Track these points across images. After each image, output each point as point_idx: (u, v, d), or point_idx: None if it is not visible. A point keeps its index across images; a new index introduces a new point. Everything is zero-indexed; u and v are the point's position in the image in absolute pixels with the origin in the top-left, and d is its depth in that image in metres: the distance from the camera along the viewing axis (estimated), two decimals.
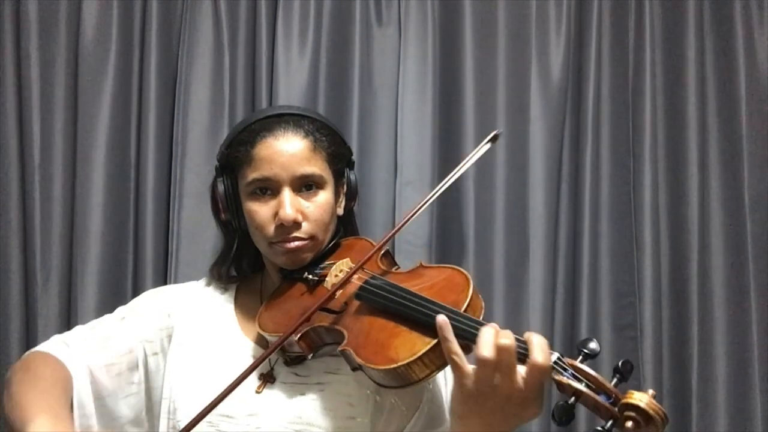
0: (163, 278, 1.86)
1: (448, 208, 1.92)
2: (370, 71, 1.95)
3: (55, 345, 1.13)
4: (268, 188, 1.13)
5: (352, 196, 1.23)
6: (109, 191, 1.87)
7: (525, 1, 1.96)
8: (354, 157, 1.26)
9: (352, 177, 1.22)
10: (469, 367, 0.89)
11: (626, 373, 0.88)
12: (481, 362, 0.88)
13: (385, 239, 1.12)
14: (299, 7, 1.93)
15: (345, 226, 1.25)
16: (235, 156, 1.16)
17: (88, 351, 1.12)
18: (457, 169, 1.14)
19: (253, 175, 1.13)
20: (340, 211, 1.22)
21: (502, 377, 0.87)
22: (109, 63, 1.88)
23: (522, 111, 1.94)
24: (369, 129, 1.93)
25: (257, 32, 1.91)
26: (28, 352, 1.13)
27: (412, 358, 0.93)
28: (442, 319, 0.92)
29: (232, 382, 0.97)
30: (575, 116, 1.96)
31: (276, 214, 1.11)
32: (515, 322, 1.86)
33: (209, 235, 1.86)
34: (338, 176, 1.20)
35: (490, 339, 0.88)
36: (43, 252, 1.83)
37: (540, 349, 0.87)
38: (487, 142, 1.15)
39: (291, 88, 1.90)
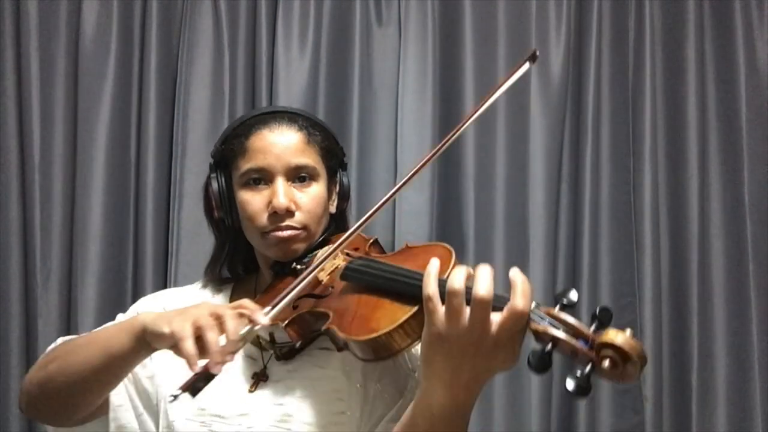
0: (163, 278, 1.86)
1: (448, 207, 1.92)
2: (370, 71, 1.95)
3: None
4: (262, 178, 1.13)
5: (344, 197, 1.23)
6: (109, 191, 1.87)
7: (525, 1, 1.96)
8: (348, 159, 1.27)
9: (345, 180, 1.23)
10: (442, 307, 0.86)
11: (605, 320, 0.83)
12: (450, 294, 0.85)
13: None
14: (299, 7, 1.93)
15: (338, 225, 1.25)
16: (230, 149, 1.16)
17: None
18: (489, 99, 1.09)
19: (247, 165, 1.13)
20: (333, 209, 1.23)
21: (472, 316, 0.84)
22: (109, 63, 1.88)
23: (522, 111, 1.94)
24: (369, 129, 1.93)
25: (257, 32, 1.91)
26: (44, 354, 1.13)
27: (392, 326, 0.92)
28: (434, 260, 0.90)
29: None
30: (575, 116, 1.96)
31: (269, 203, 1.12)
32: None
33: (209, 235, 1.86)
34: (331, 173, 1.21)
35: (462, 274, 0.86)
36: (43, 252, 1.83)
37: (522, 295, 0.84)
38: (525, 62, 1.10)
39: (291, 88, 1.90)
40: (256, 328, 0.94)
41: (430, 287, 0.87)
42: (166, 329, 0.92)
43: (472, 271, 0.87)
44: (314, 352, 1.12)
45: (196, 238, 1.85)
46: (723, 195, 1.98)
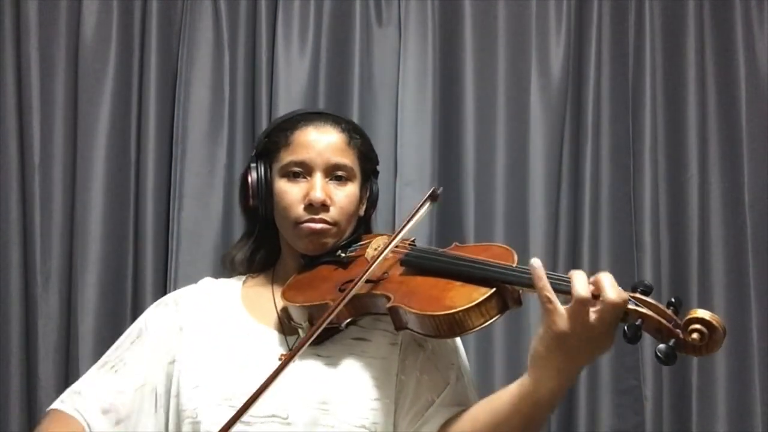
0: (163, 278, 1.86)
1: (448, 207, 1.92)
2: (370, 71, 1.95)
3: (67, 399, 1.16)
4: (302, 172, 1.19)
5: (373, 204, 1.28)
6: (109, 191, 1.87)
7: (525, 1, 1.96)
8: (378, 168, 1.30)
9: (374, 187, 1.28)
10: (562, 307, 0.93)
11: (678, 306, 0.94)
12: (580, 302, 0.92)
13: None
14: (299, 7, 1.93)
15: (363, 230, 1.28)
16: (274, 141, 1.22)
17: (104, 390, 1.15)
18: (400, 229, 1.14)
19: (289, 157, 1.19)
20: (362, 212, 1.26)
21: (600, 317, 0.91)
22: (109, 63, 1.88)
23: (522, 111, 1.94)
24: (369, 129, 1.91)
25: (257, 32, 1.91)
26: (45, 413, 1.16)
27: (471, 304, 0.97)
28: (536, 261, 0.97)
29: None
30: (575, 116, 1.96)
31: (306, 195, 1.17)
32: (516, 321, 1.86)
33: (209, 235, 1.87)
34: (365, 177, 1.25)
35: (584, 279, 0.93)
36: (43, 252, 1.83)
37: (612, 287, 0.92)
38: (426, 200, 1.16)
39: (291, 88, 1.90)
40: None
41: (549, 290, 0.94)
42: None
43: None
44: (348, 341, 1.15)
45: (196, 238, 1.85)
46: (723, 195, 1.98)
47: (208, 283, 1.29)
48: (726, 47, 1.99)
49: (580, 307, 0.92)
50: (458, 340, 1.21)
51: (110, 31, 1.88)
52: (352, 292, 1.05)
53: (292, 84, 1.91)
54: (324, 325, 1.04)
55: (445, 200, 1.91)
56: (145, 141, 1.87)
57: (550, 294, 0.94)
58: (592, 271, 1.96)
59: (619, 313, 0.92)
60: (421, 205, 1.13)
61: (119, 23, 1.89)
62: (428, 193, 1.14)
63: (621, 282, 1.87)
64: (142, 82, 1.89)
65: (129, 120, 1.90)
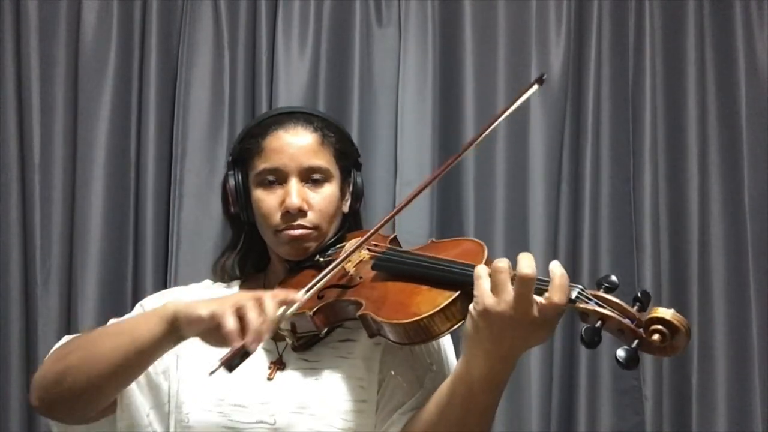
0: (163, 278, 1.86)
1: (448, 207, 1.92)
2: (370, 71, 1.95)
3: (66, 338, 1.17)
4: (277, 178, 1.17)
5: (357, 197, 1.26)
6: (109, 191, 1.87)
7: (525, 1, 1.96)
8: (360, 160, 1.29)
9: (358, 179, 1.26)
10: (488, 282, 0.93)
11: (646, 303, 0.91)
12: (495, 270, 0.92)
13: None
14: (299, 8, 1.93)
15: (352, 225, 1.28)
16: (246, 148, 1.20)
17: None
18: (499, 118, 1.15)
19: (262, 165, 1.17)
20: (346, 208, 1.25)
21: (516, 293, 0.90)
22: (109, 63, 1.88)
23: (522, 111, 1.94)
24: (369, 129, 1.93)
25: (257, 32, 1.91)
26: (55, 349, 1.14)
27: (434, 310, 0.97)
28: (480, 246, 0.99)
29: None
30: (575, 116, 1.96)
31: (282, 202, 1.15)
32: None
33: (209, 235, 1.87)
34: (345, 174, 1.24)
35: (506, 260, 0.94)
36: (43, 252, 1.83)
37: (559, 288, 0.90)
38: (534, 83, 1.16)
39: (291, 88, 1.90)
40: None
41: (481, 267, 0.95)
42: (203, 312, 0.94)
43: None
44: (335, 344, 1.14)
45: (196, 238, 1.85)
46: (723, 195, 1.98)
47: (206, 286, 1.29)
48: (726, 47, 1.99)
49: (497, 276, 0.92)
50: (446, 338, 1.19)
51: (110, 31, 1.89)
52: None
53: (292, 84, 1.91)
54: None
55: (445, 200, 1.91)
56: (145, 141, 1.87)
57: (483, 272, 0.94)
58: (592, 271, 1.98)
59: (558, 314, 0.91)
60: (526, 90, 1.13)
61: (119, 23, 1.89)
62: (535, 79, 1.14)
63: (621, 281, 1.86)
64: (142, 82, 1.89)
65: (129, 120, 1.90)
